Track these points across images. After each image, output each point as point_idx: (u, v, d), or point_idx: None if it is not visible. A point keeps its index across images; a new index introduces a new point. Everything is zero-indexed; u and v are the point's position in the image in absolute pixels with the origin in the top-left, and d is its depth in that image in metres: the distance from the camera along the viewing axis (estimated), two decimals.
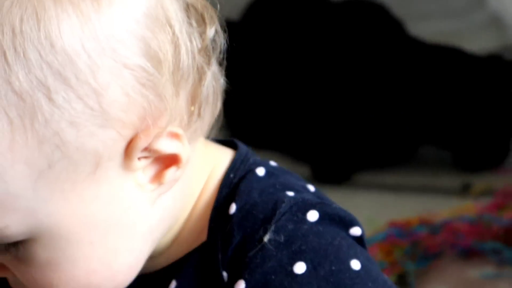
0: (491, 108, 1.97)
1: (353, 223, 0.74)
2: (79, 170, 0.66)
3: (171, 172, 0.69)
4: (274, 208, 0.71)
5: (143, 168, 0.69)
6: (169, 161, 0.69)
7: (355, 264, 0.71)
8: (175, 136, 0.67)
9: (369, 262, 0.75)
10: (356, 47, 2.09)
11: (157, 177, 0.69)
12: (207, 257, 0.74)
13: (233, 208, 0.73)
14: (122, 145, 0.66)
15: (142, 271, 0.75)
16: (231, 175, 0.76)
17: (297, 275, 0.69)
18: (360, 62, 2.09)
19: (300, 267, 0.69)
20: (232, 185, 0.75)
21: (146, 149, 0.66)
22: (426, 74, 2.05)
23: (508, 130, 1.97)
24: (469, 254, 1.79)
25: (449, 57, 2.07)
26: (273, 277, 0.70)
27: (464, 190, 1.98)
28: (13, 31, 0.62)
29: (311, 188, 0.79)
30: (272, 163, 0.80)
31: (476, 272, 1.73)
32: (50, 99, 0.62)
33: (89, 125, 0.64)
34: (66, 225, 0.68)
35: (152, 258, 0.75)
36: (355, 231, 0.74)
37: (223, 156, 0.78)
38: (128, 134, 0.66)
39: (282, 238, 0.70)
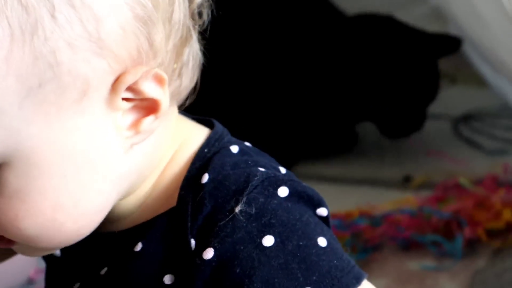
0: (414, 79, 2.03)
1: (321, 203, 0.75)
2: (66, 95, 0.66)
3: (148, 121, 0.70)
4: (246, 181, 0.72)
5: (124, 111, 0.69)
6: (148, 109, 0.70)
7: (322, 241, 0.72)
8: (159, 80, 0.69)
9: (334, 240, 0.76)
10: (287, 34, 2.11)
11: (135, 125, 0.70)
12: (175, 223, 0.74)
13: (205, 178, 0.73)
14: (110, 78, 0.67)
15: (107, 230, 0.77)
16: (205, 150, 0.77)
17: (265, 248, 0.70)
18: (289, 49, 2.11)
19: (268, 240, 0.70)
20: (205, 159, 0.76)
21: (131, 88, 0.68)
22: (356, 45, 2.09)
23: (426, 99, 2.04)
24: (409, 246, 1.79)
25: (380, 26, 2.12)
26: (242, 247, 0.70)
27: (405, 183, 2.00)
28: None
29: (283, 170, 0.80)
30: (247, 143, 0.82)
31: (416, 264, 1.74)
32: (53, 16, 0.63)
33: (84, 50, 0.65)
34: (42, 152, 0.68)
35: (118, 219, 0.76)
36: (322, 211, 0.75)
37: (198, 132, 0.79)
38: (117, 68, 0.67)
39: (253, 210, 0.71)
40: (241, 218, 0.71)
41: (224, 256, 0.71)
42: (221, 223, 0.72)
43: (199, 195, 0.73)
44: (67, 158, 0.70)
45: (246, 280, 0.70)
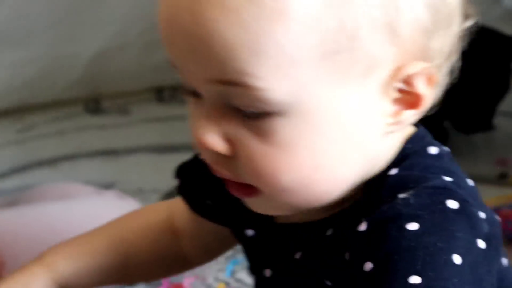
0: (487, 78, 2.03)
1: (488, 237, 0.73)
2: (355, 68, 0.69)
3: (409, 114, 0.72)
4: (422, 182, 0.72)
5: (392, 99, 0.71)
6: (411, 104, 0.72)
7: (457, 258, 0.70)
8: (430, 80, 0.71)
9: (471, 271, 0.72)
10: None
11: (396, 114, 0.72)
12: (358, 209, 0.76)
13: (393, 171, 0.75)
14: (392, 66, 0.70)
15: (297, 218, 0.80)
16: (409, 146, 0.78)
17: (404, 229, 0.70)
18: None
19: (412, 226, 0.70)
20: (404, 154, 0.76)
21: (405, 80, 0.70)
22: None
23: (496, 97, 2.05)
24: None
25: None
26: (389, 224, 0.71)
27: (501, 179, 1.96)
28: None
29: (471, 182, 0.79)
30: (445, 148, 0.81)
31: None
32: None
33: (382, 34, 0.68)
34: (320, 113, 0.71)
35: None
36: (481, 243, 0.72)
37: (409, 127, 0.81)
38: (400, 59, 0.70)
39: (412, 201, 0.71)
40: (399, 202, 0.72)
41: (372, 225, 0.73)
42: (384, 206, 0.73)
43: (381, 185, 0.75)
44: (338, 125, 0.72)
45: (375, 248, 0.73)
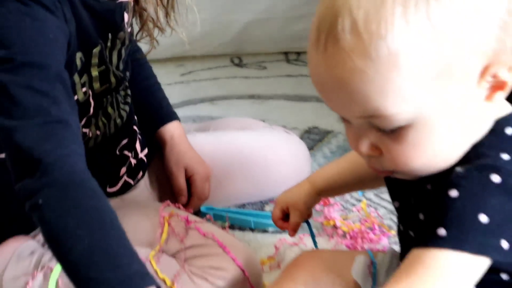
0: None
1: None
2: (457, 80, 0.81)
3: (499, 95, 0.84)
4: (479, 158, 0.86)
5: (484, 89, 0.84)
6: (497, 87, 0.84)
7: (483, 217, 0.82)
8: (510, 69, 0.82)
9: (498, 227, 0.83)
10: None
11: (489, 97, 0.84)
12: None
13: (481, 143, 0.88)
14: (481, 65, 0.81)
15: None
16: (502, 123, 0.89)
17: (447, 196, 0.85)
18: None
19: (453, 193, 0.84)
20: (496, 128, 0.89)
21: (493, 74, 0.82)
22: None
23: None
24: None
25: None
26: (439, 189, 0.86)
27: None
28: None
29: None
30: None
31: None
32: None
33: (471, 49, 0.80)
34: (434, 118, 0.83)
35: None
36: None
37: (508, 106, 0.92)
38: (487, 60, 0.81)
39: (461, 174, 0.85)
40: (453, 173, 0.86)
41: (433, 190, 0.91)
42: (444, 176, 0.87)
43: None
44: (451, 118, 0.85)
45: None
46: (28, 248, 1.34)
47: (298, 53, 2.61)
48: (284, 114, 2.12)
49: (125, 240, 1.02)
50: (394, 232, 1.49)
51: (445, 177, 0.87)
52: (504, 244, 0.82)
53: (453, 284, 0.84)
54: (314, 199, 1.29)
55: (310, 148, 1.89)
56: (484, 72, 0.82)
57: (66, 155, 1.04)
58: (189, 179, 1.54)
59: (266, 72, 2.51)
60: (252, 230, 1.58)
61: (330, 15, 0.79)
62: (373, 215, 1.57)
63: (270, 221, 1.45)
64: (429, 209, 0.87)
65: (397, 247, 1.17)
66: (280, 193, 1.38)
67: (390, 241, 1.47)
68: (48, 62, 1.10)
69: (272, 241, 1.52)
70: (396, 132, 0.84)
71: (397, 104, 0.80)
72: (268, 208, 1.65)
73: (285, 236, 1.51)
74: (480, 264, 0.83)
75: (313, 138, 1.96)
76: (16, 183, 1.04)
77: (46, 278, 1.29)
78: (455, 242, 0.82)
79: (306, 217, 1.30)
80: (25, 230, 1.37)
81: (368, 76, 0.78)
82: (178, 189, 1.53)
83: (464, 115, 0.85)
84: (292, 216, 1.28)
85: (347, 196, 1.69)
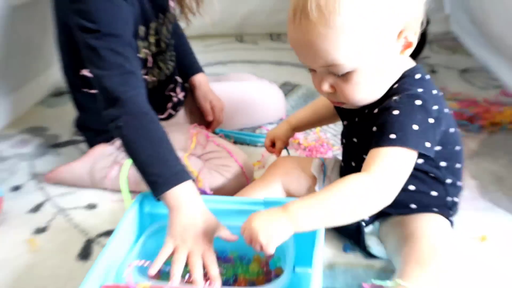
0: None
1: (436, 118, 0.89)
2: (382, 41, 0.84)
3: (407, 51, 0.88)
4: (405, 91, 0.89)
5: (399, 45, 0.87)
6: (407, 46, 0.88)
7: (415, 126, 0.86)
8: (415, 34, 0.86)
9: (423, 132, 0.87)
10: None
11: (402, 52, 0.88)
12: (377, 102, 0.92)
13: (395, 85, 0.92)
14: (398, 31, 0.85)
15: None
16: (406, 72, 0.93)
17: (392, 114, 0.87)
18: None
19: (395, 111, 0.87)
20: (402, 75, 0.93)
21: (405, 36, 0.86)
22: None
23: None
24: None
25: None
26: (385, 111, 0.88)
27: None
28: None
29: (436, 92, 0.92)
30: (426, 76, 0.94)
31: None
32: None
33: (395, 23, 0.83)
34: (371, 66, 0.86)
35: None
36: (430, 120, 0.88)
37: (411, 62, 0.95)
38: (402, 25, 0.85)
39: (398, 100, 0.88)
40: (392, 100, 0.88)
41: (379, 111, 0.89)
42: (386, 102, 0.89)
43: (390, 91, 0.91)
44: (380, 66, 0.87)
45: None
46: (108, 151, 1.38)
47: (279, 34, 2.55)
48: (268, 73, 2.06)
49: (172, 149, 1.03)
50: (335, 148, 1.49)
51: (383, 102, 0.89)
52: (427, 144, 0.86)
53: (400, 169, 0.85)
54: (291, 133, 1.29)
55: (285, 95, 1.87)
56: (399, 35, 0.85)
57: (136, 95, 1.08)
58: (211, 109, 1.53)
59: (257, 46, 2.46)
60: (247, 144, 1.57)
61: (302, 0, 0.81)
62: (323, 136, 1.55)
63: (259, 140, 1.50)
64: (380, 123, 0.87)
65: (338, 157, 1.20)
66: (266, 124, 1.49)
67: (333, 153, 1.47)
68: (122, 33, 1.12)
69: (260, 152, 1.51)
70: (345, 76, 0.86)
71: (346, 57, 0.83)
72: (258, 131, 1.63)
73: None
74: (414, 157, 0.86)
75: (287, 88, 1.95)
76: (103, 111, 1.08)
77: (119, 169, 1.33)
78: (401, 142, 0.84)
79: (286, 144, 1.30)
80: (106, 140, 1.39)
81: (328, 39, 0.81)
82: (207, 113, 1.51)
83: (387, 64, 0.88)
84: (277, 144, 1.28)
85: None
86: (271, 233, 0.78)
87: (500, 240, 1.09)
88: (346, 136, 1.05)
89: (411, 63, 0.93)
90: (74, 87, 1.36)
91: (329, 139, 1.55)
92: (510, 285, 0.99)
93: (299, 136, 1.57)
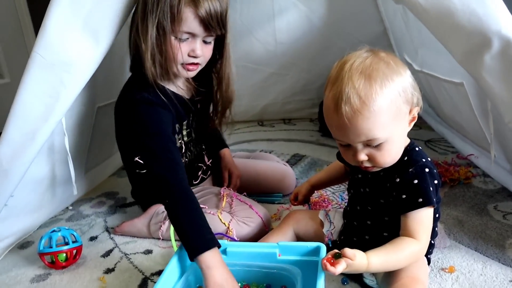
0: None
1: (438, 182, 0.87)
2: (402, 117, 0.84)
3: (412, 124, 0.88)
4: (418, 163, 0.87)
5: (408, 120, 0.87)
6: (413, 119, 0.87)
7: (430, 191, 0.84)
8: (418, 111, 0.87)
9: (434, 194, 0.86)
10: None
11: (409, 125, 0.87)
12: (393, 171, 0.89)
13: (406, 158, 0.89)
14: (409, 109, 0.85)
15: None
16: (408, 147, 0.91)
17: (413, 183, 0.86)
18: None
19: (415, 181, 0.86)
20: (408, 149, 0.91)
21: (413, 113, 0.86)
22: None
23: None
24: None
25: None
26: (406, 181, 0.86)
27: None
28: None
29: (430, 159, 0.90)
30: (419, 146, 0.92)
31: None
32: (406, 92, 0.82)
33: (406, 104, 0.84)
34: (395, 136, 0.85)
35: None
36: (436, 184, 0.87)
37: (407, 138, 0.92)
38: (410, 107, 0.85)
39: (414, 171, 0.86)
40: (410, 171, 0.86)
41: (401, 182, 0.87)
42: (403, 174, 0.86)
43: (403, 163, 0.89)
44: (400, 137, 0.87)
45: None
46: (161, 209, 1.34)
47: (290, 119, 2.54)
48: (282, 147, 2.04)
49: (205, 221, 0.99)
50: (334, 203, 1.45)
51: (398, 169, 0.88)
52: (435, 199, 0.85)
53: (430, 225, 0.87)
54: (310, 189, 1.23)
55: (294, 164, 1.84)
56: (410, 112, 0.85)
57: (179, 180, 1.05)
58: (229, 176, 1.47)
59: (274, 128, 2.41)
60: (266, 202, 1.50)
61: (344, 94, 0.80)
62: (324, 194, 1.50)
63: (275, 199, 1.47)
64: (407, 192, 0.85)
65: (340, 210, 1.16)
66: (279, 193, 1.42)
67: (332, 207, 1.42)
68: (164, 132, 1.12)
69: (276, 207, 1.46)
70: (379, 146, 0.84)
71: (381, 132, 0.82)
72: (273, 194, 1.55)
73: (282, 205, 1.47)
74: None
75: (296, 158, 1.91)
76: (154, 189, 1.06)
77: (169, 224, 1.28)
78: (427, 203, 0.84)
79: (307, 199, 1.25)
80: (159, 202, 1.35)
81: (369, 120, 0.80)
82: (224, 179, 1.46)
83: (403, 134, 0.87)
84: (299, 197, 1.23)
85: None
86: (354, 268, 0.81)
87: (464, 270, 1.05)
88: (355, 187, 1.00)
89: (406, 137, 0.92)
90: (129, 169, 1.35)
91: (329, 195, 1.49)
92: None
93: None
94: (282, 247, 0.95)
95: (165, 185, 1.01)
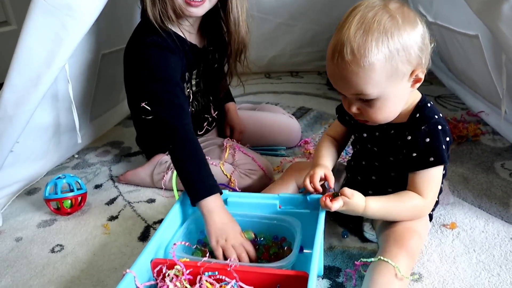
0: None
1: (449, 138, 0.85)
2: (400, 78, 0.80)
3: (417, 85, 0.84)
4: (430, 119, 0.85)
5: (410, 82, 0.83)
6: (417, 81, 0.84)
7: (442, 148, 0.83)
8: (423, 72, 0.82)
9: (446, 150, 0.84)
10: None
11: (412, 86, 0.84)
12: (404, 128, 0.88)
13: (418, 114, 0.87)
14: (410, 71, 0.81)
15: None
16: (420, 103, 0.89)
17: (424, 141, 0.84)
18: None
19: (427, 139, 0.84)
20: (419, 105, 0.89)
21: (416, 75, 0.82)
22: None
23: None
24: None
25: None
26: (419, 138, 0.84)
27: None
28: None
29: (441, 114, 0.88)
30: (431, 102, 0.90)
31: None
32: (411, 51, 0.77)
33: (407, 64, 0.79)
34: (390, 95, 0.82)
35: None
36: (448, 140, 0.86)
37: (418, 93, 0.90)
38: (413, 68, 0.81)
39: (426, 129, 0.85)
40: (422, 129, 0.84)
41: (412, 139, 0.85)
42: (415, 132, 0.85)
43: (415, 120, 0.87)
44: (397, 96, 0.83)
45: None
46: (164, 159, 1.35)
47: (297, 72, 2.48)
48: (288, 100, 2.01)
49: (208, 168, 1.00)
50: None
51: (411, 127, 0.86)
52: (446, 156, 0.85)
53: (439, 184, 0.87)
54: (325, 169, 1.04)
55: (300, 117, 1.83)
56: (411, 74, 0.82)
57: (183, 124, 1.05)
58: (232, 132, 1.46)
59: (281, 81, 2.34)
60: (270, 155, 1.50)
61: (340, 44, 0.78)
62: None
63: (278, 153, 1.45)
64: (418, 150, 0.85)
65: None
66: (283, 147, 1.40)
67: None
68: (172, 77, 1.10)
69: (279, 159, 1.46)
70: (370, 101, 0.83)
71: (371, 89, 0.80)
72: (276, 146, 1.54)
73: (285, 158, 1.47)
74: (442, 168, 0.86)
75: (302, 111, 1.89)
76: (158, 134, 1.06)
77: (171, 173, 1.30)
78: (438, 162, 0.84)
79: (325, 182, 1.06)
80: (163, 151, 1.37)
81: (358, 75, 0.78)
82: (225, 133, 1.46)
83: (401, 94, 0.84)
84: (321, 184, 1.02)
85: (317, 138, 1.59)
86: (351, 208, 0.84)
87: (465, 226, 1.05)
88: (361, 143, 0.99)
89: (417, 92, 0.89)
90: (135, 115, 1.34)
91: None
92: (474, 258, 0.95)
93: (310, 147, 1.53)
94: (282, 199, 0.96)
95: (170, 130, 1.01)
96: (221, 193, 0.96)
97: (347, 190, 0.83)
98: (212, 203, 0.92)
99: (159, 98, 1.05)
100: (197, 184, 0.95)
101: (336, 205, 0.82)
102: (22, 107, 1.07)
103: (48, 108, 1.29)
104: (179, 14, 1.10)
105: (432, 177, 0.84)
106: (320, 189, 0.94)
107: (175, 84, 1.09)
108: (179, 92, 1.08)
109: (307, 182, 0.93)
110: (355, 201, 0.83)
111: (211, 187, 0.95)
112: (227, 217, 0.92)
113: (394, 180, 0.92)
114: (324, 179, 0.94)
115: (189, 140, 1.01)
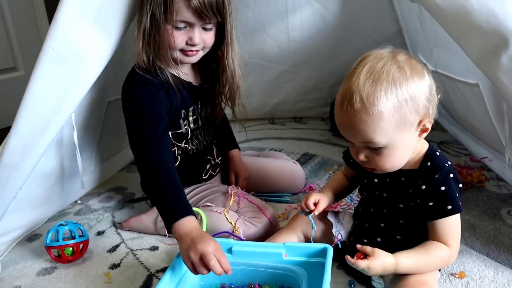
0: None
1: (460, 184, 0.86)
2: (407, 127, 0.82)
3: (424, 135, 0.86)
4: (442, 168, 0.85)
5: (418, 132, 0.84)
6: (424, 131, 0.85)
7: (455, 195, 0.84)
8: (430, 122, 0.84)
9: (459, 197, 0.85)
10: None
11: (419, 136, 0.85)
12: (416, 176, 0.88)
13: (429, 163, 0.87)
14: (418, 120, 0.82)
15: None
16: (429, 152, 0.89)
17: (440, 190, 0.85)
18: None
19: (442, 188, 0.85)
20: (428, 154, 0.89)
21: (423, 125, 0.83)
22: None
23: None
24: None
25: None
26: (433, 188, 0.85)
27: None
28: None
29: (449, 162, 0.88)
30: (439, 150, 0.90)
31: None
32: (413, 100, 0.78)
33: (415, 114, 0.81)
34: (398, 144, 0.83)
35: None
36: (459, 187, 0.86)
37: (425, 142, 0.91)
38: (420, 118, 0.82)
39: (440, 177, 0.85)
40: (436, 177, 0.84)
41: (427, 188, 0.85)
42: (428, 181, 0.84)
43: (426, 169, 0.87)
44: (404, 145, 0.84)
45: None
46: None
47: (301, 118, 2.49)
48: (292, 146, 2.01)
49: (181, 193, 1.01)
50: (343, 204, 1.41)
51: (423, 176, 0.86)
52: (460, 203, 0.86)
53: (460, 231, 0.87)
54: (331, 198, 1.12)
55: (304, 163, 1.82)
56: (419, 124, 0.83)
57: (160, 155, 1.06)
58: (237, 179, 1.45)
59: (285, 127, 2.38)
60: (274, 202, 1.49)
61: (349, 92, 0.79)
62: None
63: (283, 199, 1.45)
64: (435, 199, 0.85)
65: (349, 211, 1.15)
66: (288, 193, 1.41)
67: (341, 207, 1.39)
68: (156, 113, 1.12)
69: (284, 206, 1.45)
70: (378, 150, 0.83)
71: (379, 137, 0.81)
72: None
73: (290, 205, 1.46)
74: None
75: (306, 158, 1.89)
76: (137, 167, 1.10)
77: None
78: (456, 210, 0.84)
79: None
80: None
81: (367, 124, 0.79)
82: (230, 181, 1.44)
83: (409, 143, 0.84)
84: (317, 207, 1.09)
85: (322, 184, 1.59)
86: (382, 269, 0.84)
87: (474, 276, 1.04)
88: (369, 190, 0.99)
89: (424, 141, 0.90)
90: None
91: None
92: None
93: None
94: (288, 248, 0.95)
95: (143, 161, 1.02)
96: (193, 214, 0.97)
97: (369, 250, 0.85)
98: (180, 226, 0.93)
99: (137, 132, 1.07)
100: (168, 211, 0.96)
101: (363, 265, 0.83)
102: (29, 154, 1.08)
103: (53, 153, 1.29)
104: (176, 61, 1.14)
105: (453, 225, 0.84)
106: (311, 207, 1.02)
107: (158, 119, 1.11)
108: (160, 127, 1.10)
109: (303, 201, 1.03)
110: (382, 261, 0.83)
111: (179, 210, 0.95)
112: (196, 236, 0.91)
113: (403, 227, 0.92)
114: (317, 203, 1.02)
115: (160, 169, 1.02)
